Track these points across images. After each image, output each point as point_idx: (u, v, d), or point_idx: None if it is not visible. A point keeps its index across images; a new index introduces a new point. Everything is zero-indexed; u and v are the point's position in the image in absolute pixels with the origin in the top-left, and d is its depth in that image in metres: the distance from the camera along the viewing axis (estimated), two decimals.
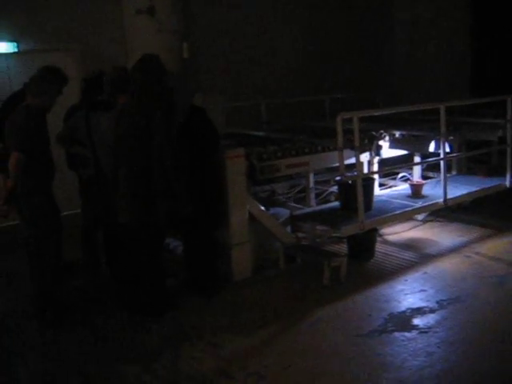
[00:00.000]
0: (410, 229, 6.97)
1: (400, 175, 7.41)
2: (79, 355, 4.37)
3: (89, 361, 4.27)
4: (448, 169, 6.68)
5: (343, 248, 6.25)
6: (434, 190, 6.63)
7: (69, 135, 5.19)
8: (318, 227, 6.07)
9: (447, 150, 6.24)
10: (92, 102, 5.16)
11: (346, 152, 5.48)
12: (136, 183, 4.64)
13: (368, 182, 5.95)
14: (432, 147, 6.29)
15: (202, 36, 8.76)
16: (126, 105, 4.80)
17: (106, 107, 5.04)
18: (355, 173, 5.68)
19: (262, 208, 5.73)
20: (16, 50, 7.58)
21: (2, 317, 5.11)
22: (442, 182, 6.23)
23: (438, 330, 4.48)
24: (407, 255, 6.14)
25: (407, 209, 6.14)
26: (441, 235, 6.73)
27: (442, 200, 6.27)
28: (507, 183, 6.86)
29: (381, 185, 7.20)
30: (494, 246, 6.24)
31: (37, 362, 4.33)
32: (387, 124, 6.82)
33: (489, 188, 6.91)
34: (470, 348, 4.20)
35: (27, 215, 4.64)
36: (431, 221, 7.19)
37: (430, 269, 5.73)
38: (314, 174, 6.92)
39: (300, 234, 6.15)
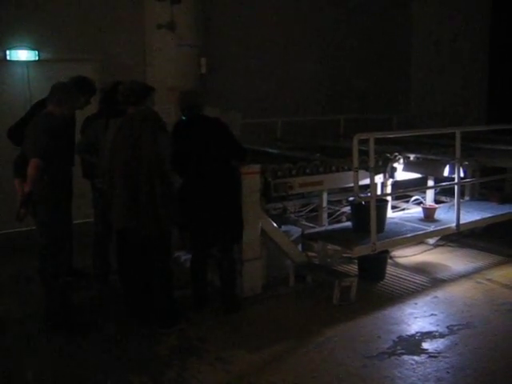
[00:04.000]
0: (421, 252, 6.94)
1: (413, 198, 7.40)
2: (87, 362, 4.36)
3: (97, 369, 4.26)
4: (461, 194, 6.66)
5: (354, 269, 6.23)
6: (447, 215, 6.61)
7: (89, 144, 5.24)
8: (330, 247, 6.07)
9: (461, 174, 6.23)
10: (112, 111, 5.20)
11: (361, 173, 5.49)
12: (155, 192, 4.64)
13: (381, 203, 5.94)
14: (446, 171, 6.28)
15: (220, 52, 8.83)
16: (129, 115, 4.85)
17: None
18: (369, 194, 5.68)
19: (275, 225, 5.73)
20: (36, 58, 7.67)
21: (11, 321, 5.12)
22: (455, 207, 6.21)
23: (447, 355, 4.44)
24: (418, 278, 6.11)
25: (419, 232, 6.12)
26: (452, 260, 6.70)
27: (454, 225, 6.25)
28: None
29: (393, 207, 7.19)
30: (506, 273, 6.19)
31: (44, 368, 4.31)
32: (402, 147, 6.82)
33: (502, 215, 6.88)
34: (480, 375, 4.15)
35: (42, 220, 4.66)
36: (442, 245, 7.16)
37: (441, 293, 5.69)
38: (327, 194, 6.92)
39: (311, 253, 6.14)
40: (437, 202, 7.18)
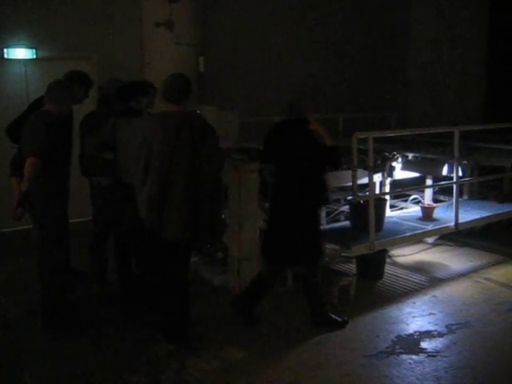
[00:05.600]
0: (420, 251, 6.94)
1: (411, 197, 7.39)
2: (85, 362, 4.35)
3: (95, 368, 4.25)
4: (459, 193, 6.65)
5: (352, 268, 6.22)
6: (445, 214, 6.59)
7: (105, 143, 5.14)
8: (328, 246, 6.05)
9: (460, 174, 6.22)
10: (123, 109, 5.19)
11: (359, 172, 5.48)
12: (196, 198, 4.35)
13: (380, 202, 5.93)
14: (445, 171, 6.27)
15: (218, 51, 8.81)
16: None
17: (136, 114, 5.07)
18: (367, 193, 5.67)
19: None
20: (34, 56, 7.65)
21: (8, 321, 5.10)
22: (454, 206, 6.20)
23: (446, 354, 4.44)
24: (416, 278, 6.11)
25: (418, 231, 6.11)
26: (450, 259, 6.70)
27: (452, 224, 6.24)
28: None
29: (392, 206, 7.17)
30: (505, 273, 6.20)
31: (42, 367, 4.29)
32: (400, 146, 6.81)
33: (500, 214, 6.87)
34: (479, 374, 4.15)
35: (39, 219, 4.64)
36: (441, 244, 7.16)
37: (439, 292, 5.69)
38: None
39: None
40: (435, 201, 7.16)
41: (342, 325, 4.94)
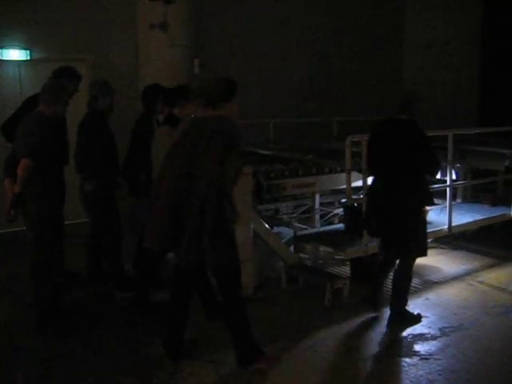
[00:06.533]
0: None
1: None
2: (78, 365, 4.33)
3: (88, 371, 4.23)
4: (453, 196, 6.67)
5: (346, 270, 6.22)
6: (439, 217, 6.60)
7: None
8: (322, 248, 6.06)
9: (453, 177, 6.23)
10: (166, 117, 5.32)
11: (353, 175, 5.49)
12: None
13: None
14: (438, 174, 6.28)
15: (213, 52, 8.81)
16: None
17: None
18: (361, 196, 5.68)
19: (267, 226, 5.72)
20: (28, 57, 7.63)
21: (1, 322, 5.07)
22: (447, 209, 6.22)
23: (439, 357, 4.44)
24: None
25: None
26: (444, 262, 6.70)
27: (446, 227, 6.26)
28: None
29: None
30: (498, 276, 6.21)
31: (35, 370, 4.27)
32: None
33: (494, 217, 6.90)
34: (473, 377, 4.16)
35: (33, 221, 4.62)
36: (434, 247, 7.16)
37: (432, 295, 5.70)
38: (319, 195, 6.92)
39: (303, 255, 6.13)
40: None
41: (417, 320, 5.04)
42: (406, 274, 5.00)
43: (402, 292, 5.01)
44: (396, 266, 5.06)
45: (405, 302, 5.05)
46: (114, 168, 5.47)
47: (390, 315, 4.99)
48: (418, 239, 4.91)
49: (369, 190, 5.15)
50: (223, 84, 4.18)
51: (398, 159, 4.77)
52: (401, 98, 5.01)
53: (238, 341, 4.20)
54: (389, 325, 4.96)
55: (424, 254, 5.02)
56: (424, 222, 5.05)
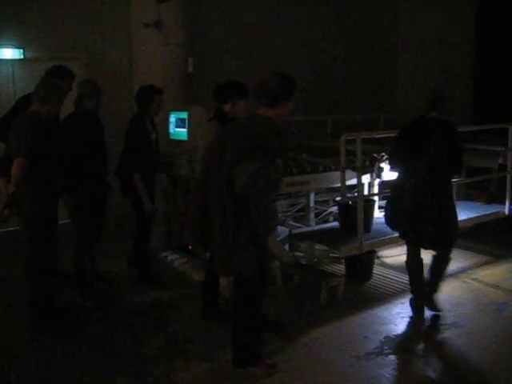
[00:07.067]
0: None
1: None
2: (73, 364, 4.32)
3: (83, 370, 4.22)
4: None
5: (341, 268, 6.23)
6: None
7: None
8: (317, 247, 6.06)
9: None
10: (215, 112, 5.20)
11: (348, 173, 5.50)
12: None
13: (368, 203, 5.95)
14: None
15: (207, 52, 8.79)
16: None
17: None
18: (356, 194, 5.69)
19: None
20: (22, 56, 7.61)
21: None
22: None
23: (434, 354, 4.46)
24: (405, 278, 6.06)
25: None
26: None
27: None
28: (506, 211, 6.87)
29: (380, 207, 7.19)
30: (492, 273, 6.23)
31: (29, 370, 4.26)
32: (389, 147, 6.82)
33: (488, 215, 6.91)
34: (467, 374, 4.17)
35: (26, 220, 4.61)
36: None
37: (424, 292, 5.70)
38: (314, 194, 6.92)
39: (298, 253, 6.13)
40: None
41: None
42: (447, 261, 5.20)
43: (441, 278, 5.22)
44: (433, 258, 5.22)
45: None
46: (100, 168, 5.48)
47: (430, 301, 5.14)
48: (456, 227, 5.17)
49: (395, 191, 5.17)
50: (285, 82, 4.03)
51: (433, 157, 4.84)
52: (430, 96, 5.05)
53: (237, 342, 4.22)
54: (435, 309, 5.14)
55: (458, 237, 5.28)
56: (455, 209, 5.21)
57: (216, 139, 4.12)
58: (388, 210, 5.23)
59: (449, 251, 5.17)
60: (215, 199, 3.85)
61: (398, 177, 5.17)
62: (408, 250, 5.26)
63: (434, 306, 5.16)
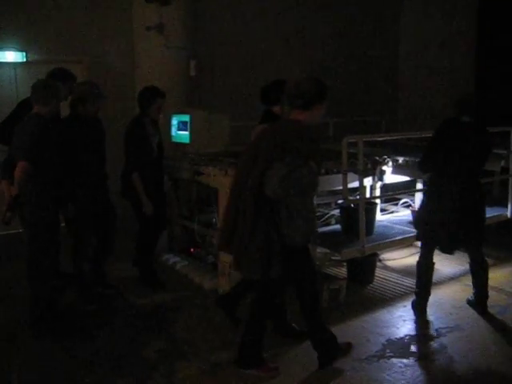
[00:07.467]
0: (410, 255, 6.92)
1: (402, 201, 7.41)
2: (74, 366, 4.32)
3: (83, 372, 4.22)
4: None
5: (343, 271, 6.23)
6: None
7: None
8: (319, 249, 6.05)
9: None
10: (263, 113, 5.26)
11: (350, 176, 5.49)
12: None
13: (370, 206, 5.95)
14: None
15: (209, 54, 8.80)
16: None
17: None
18: (358, 197, 5.68)
19: None
20: (24, 59, 7.62)
21: None
22: None
23: (436, 357, 4.45)
24: (406, 281, 6.11)
25: (408, 235, 6.10)
26: (440, 263, 6.64)
27: None
28: (508, 213, 6.86)
29: (382, 210, 7.19)
30: (495, 276, 6.18)
31: (31, 371, 4.27)
32: (391, 149, 6.83)
33: (490, 217, 6.88)
34: (470, 378, 4.17)
35: (29, 223, 4.61)
36: None
37: (429, 296, 5.69)
38: (316, 196, 6.90)
39: None
40: None
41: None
42: (487, 266, 5.40)
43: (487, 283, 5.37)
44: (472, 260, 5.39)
45: None
46: (99, 172, 5.47)
47: (483, 300, 5.30)
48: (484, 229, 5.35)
49: (431, 195, 5.24)
50: (318, 85, 4.05)
51: (469, 161, 4.97)
52: (461, 99, 5.09)
53: (244, 344, 4.22)
54: (484, 308, 5.28)
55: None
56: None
57: (251, 143, 4.11)
58: (421, 212, 5.36)
59: (481, 251, 5.32)
60: (243, 201, 3.84)
61: (432, 181, 5.25)
62: (423, 251, 5.34)
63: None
